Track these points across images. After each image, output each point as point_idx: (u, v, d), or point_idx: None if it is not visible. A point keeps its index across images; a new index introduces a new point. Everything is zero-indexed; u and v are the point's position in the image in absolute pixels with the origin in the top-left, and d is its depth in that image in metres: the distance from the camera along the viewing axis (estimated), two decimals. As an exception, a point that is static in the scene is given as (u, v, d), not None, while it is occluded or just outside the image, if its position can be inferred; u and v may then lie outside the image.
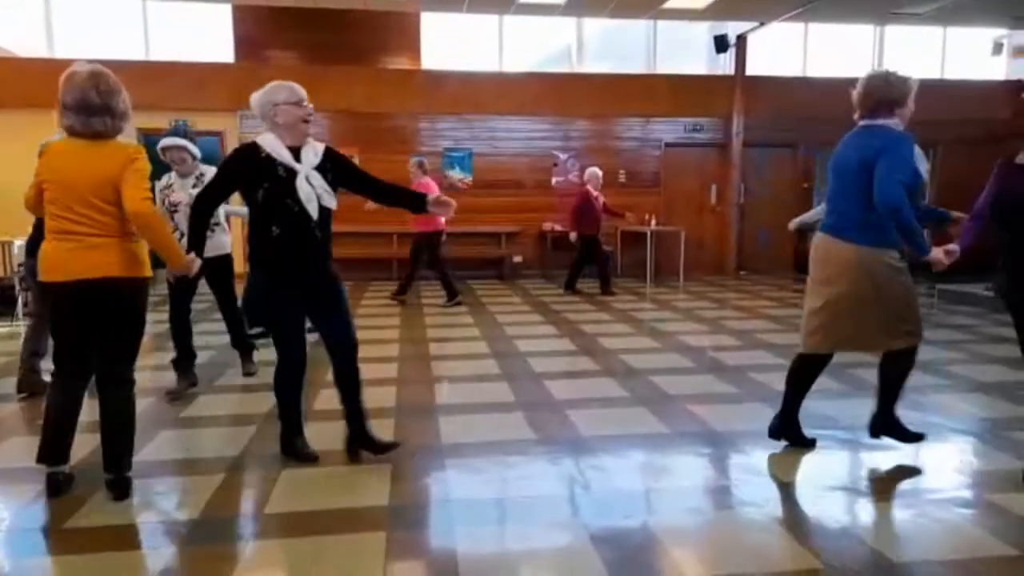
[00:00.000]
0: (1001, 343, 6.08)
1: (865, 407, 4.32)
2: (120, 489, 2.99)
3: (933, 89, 11.75)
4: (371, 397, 4.51)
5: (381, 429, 3.87)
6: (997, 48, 11.88)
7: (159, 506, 3.03)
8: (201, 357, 5.32)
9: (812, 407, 4.26)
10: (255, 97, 3.22)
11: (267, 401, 4.40)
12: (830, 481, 3.25)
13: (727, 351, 5.80)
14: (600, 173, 9.32)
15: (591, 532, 2.69)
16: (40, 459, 2.99)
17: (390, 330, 6.82)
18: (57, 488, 2.98)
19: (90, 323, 2.94)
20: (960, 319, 7.29)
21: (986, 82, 12.19)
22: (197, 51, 10.62)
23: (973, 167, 12.28)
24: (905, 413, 4.18)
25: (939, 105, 11.78)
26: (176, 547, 2.61)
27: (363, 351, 5.81)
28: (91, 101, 2.82)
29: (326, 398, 4.49)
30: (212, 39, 10.70)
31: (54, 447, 2.98)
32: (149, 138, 7.71)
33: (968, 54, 12.27)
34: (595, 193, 9.11)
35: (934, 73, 12.26)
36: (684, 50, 12.06)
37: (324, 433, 3.84)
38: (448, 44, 11.39)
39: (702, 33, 11.81)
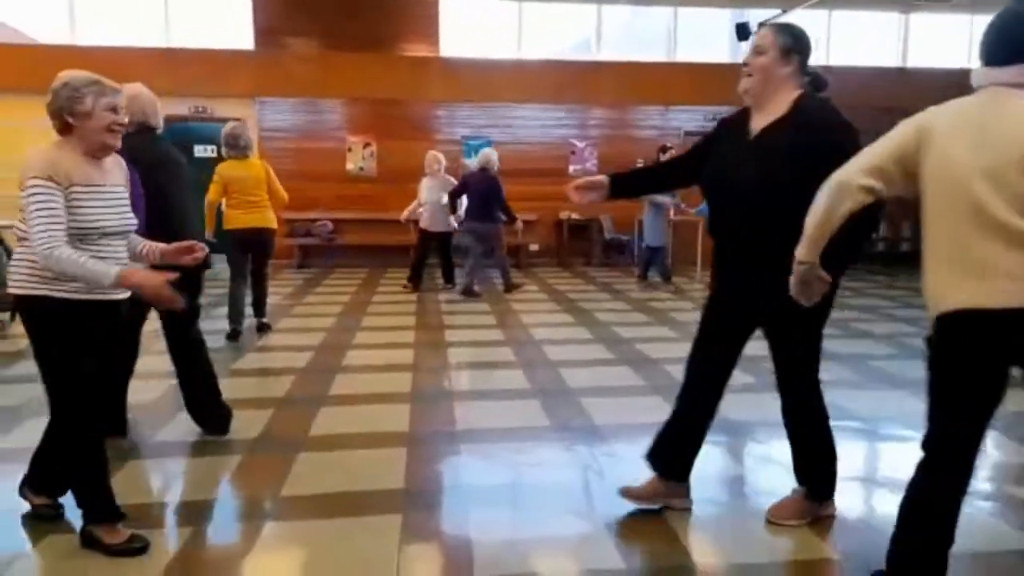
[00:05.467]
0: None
1: (882, 398, 4.30)
2: (266, 327, 6.00)
3: (962, 79, 11.67)
4: (387, 383, 4.55)
5: (396, 414, 3.90)
6: (1026, 36, 11.61)
7: (179, 486, 3.08)
8: (216, 341, 5.39)
9: (827, 397, 4.22)
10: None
11: (285, 384, 4.45)
12: (846, 472, 3.21)
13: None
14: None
15: (605, 520, 2.69)
16: None
17: (405, 317, 6.85)
18: None
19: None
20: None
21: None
22: (217, 38, 10.67)
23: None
24: (920, 405, 4.14)
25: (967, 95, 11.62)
26: (195, 526, 2.65)
27: (378, 337, 5.89)
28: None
29: (342, 383, 4.52)
30: (232, 26, 10.75)
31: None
32: (173, 126, 7.78)
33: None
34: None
35: (961, 63, 12.03)
36: (705, 38, 11.94)
37: (340, 417, 3.87)
38: (467, 31, 11.36)
39: (724, 21, 11.67)
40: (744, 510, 2.87)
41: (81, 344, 2.38)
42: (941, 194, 1.88)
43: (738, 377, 4.67)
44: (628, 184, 2.94)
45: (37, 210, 2.24)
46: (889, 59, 11.84)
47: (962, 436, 1.94)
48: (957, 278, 1.85)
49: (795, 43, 2.48)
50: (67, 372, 2.38)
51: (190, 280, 3.08)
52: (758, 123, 2.49)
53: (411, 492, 2.94)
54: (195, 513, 2.76)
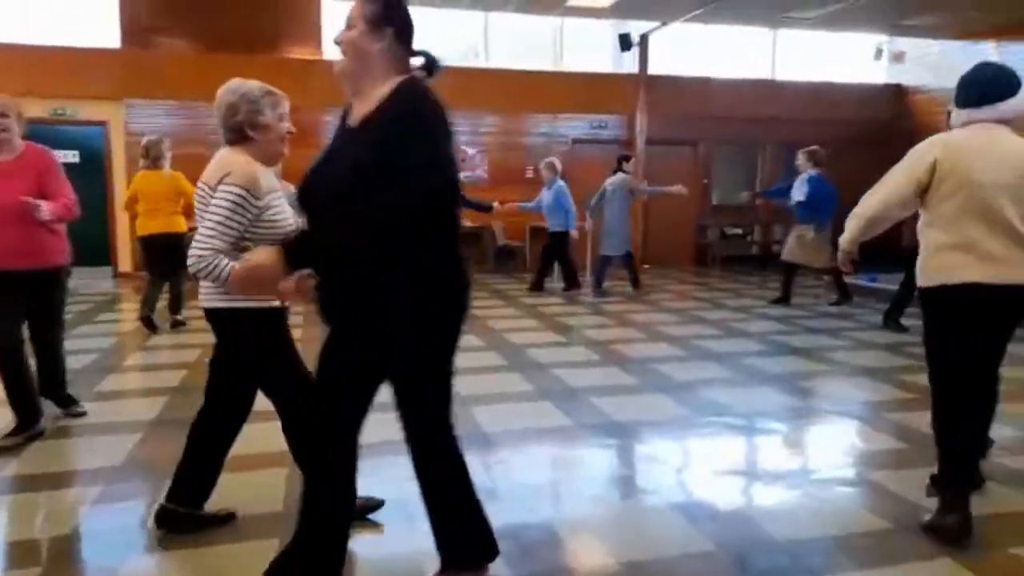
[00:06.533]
0: (882, 331, 6.48)
1: (757, 395, 4.53)
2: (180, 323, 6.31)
3: (823, 92, 12.57)
4: (266, 400, 4.34)
5: (275, 433, 3.72)
6: (878, 53, 12.65)
7: (39, 520, 2.81)
8: (77, 361, 5.04)
9: (706, 395, 4.43)
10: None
11: (155, 407, 4.17)
12: (724, 466, 3.37)
13: (630, 343, 5.94)
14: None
15: (495, 527, 2.67)
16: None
17: (293, 329, 6.60)
18: None
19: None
20: (844, 308, 7.71)
21: (869, 85, 12.96)
22: (80, 35, 9.93)
23: (855, 166, 13.07)
24: (790, 399, 4.41)
25: (828, 107, 12.51)
26: (56, 564, 2.42)
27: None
28: None
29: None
30: (96, 22, 10.04)
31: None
32: (30, 129, 7.16)
33: (853, 58, 13.01)
34: None
35: (826, 76, 12.92)
36: (591, 48, 12.27)
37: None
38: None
39: (607, 31, 12.03)
40: (631, 509, 2.94)
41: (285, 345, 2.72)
42: (963, 203, 2.55)
43: (621, 378, 4.85)
44: (299, 254, 1.94)
45: (225, 215, 2.26)
46: (761, 71, 12.56)
47: (970, 364, 2.68)
48: (969, 261, 2.56)
49: (386, 12, 2.05)
50: (287, 374, 2.70)
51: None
52: (357, 112, 2.04)
53: (291, 515, 2.81)
54: (51, 550, 2.53)
